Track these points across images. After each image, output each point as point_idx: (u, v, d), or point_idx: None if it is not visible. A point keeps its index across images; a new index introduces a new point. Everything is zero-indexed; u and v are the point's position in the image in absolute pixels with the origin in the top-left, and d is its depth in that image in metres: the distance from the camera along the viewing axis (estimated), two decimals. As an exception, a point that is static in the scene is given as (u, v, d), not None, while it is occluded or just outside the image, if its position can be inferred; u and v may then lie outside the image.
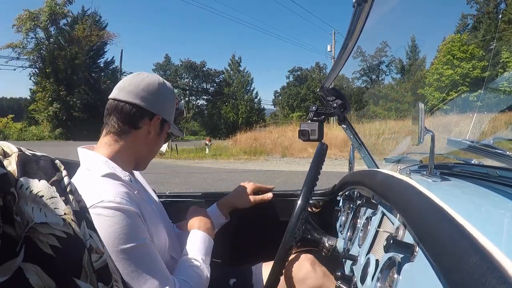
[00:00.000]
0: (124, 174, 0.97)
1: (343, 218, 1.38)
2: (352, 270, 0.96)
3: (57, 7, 25.85)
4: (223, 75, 39.68)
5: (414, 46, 33.80)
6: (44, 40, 27.55)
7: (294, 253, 1.31)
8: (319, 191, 1.65)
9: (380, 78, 38.29)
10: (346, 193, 1.43)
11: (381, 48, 35.93)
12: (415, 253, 0.59)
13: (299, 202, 1.09)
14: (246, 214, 1.45)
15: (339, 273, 0.96)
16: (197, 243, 1.10)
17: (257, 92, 43.69)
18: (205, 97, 40.04)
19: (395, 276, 0.62)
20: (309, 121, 1.44)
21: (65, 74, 28.32)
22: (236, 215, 1.46)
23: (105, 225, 0.82)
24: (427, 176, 1.05)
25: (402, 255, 0.62)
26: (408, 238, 0.65)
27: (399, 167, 1.31)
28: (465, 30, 28.05)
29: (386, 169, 1.09)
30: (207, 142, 16.96)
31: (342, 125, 1.59)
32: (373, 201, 1.01)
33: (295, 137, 12.95)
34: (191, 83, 39.24)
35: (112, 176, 0.92)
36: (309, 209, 1.43)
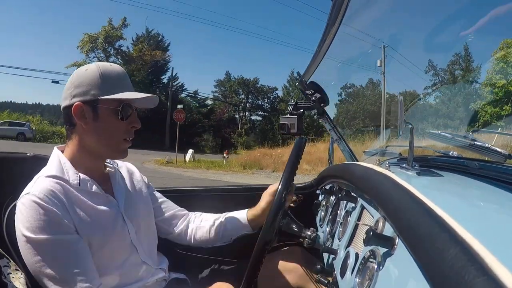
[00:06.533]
0: (74, 177, 0.99)
1: (323, 212, 1.38)
2: (332, 264, 0.95)
3: (112, 31, 29.02)
4: (276, 92, 39.93)
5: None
6: (104, 60, 29.20)
7: (277, 246, 1.30)
8: (299, 185, 1.65)
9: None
10: (326, 187, 1.43)
11: (455, 61, 35.03)
12: (395, 246, 0.58)
13: (279, 187, 1.03)
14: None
15: (318, 266, 0.96)
16: None
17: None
18: (260, 113, 40.48)
19: (375, 268, 0.61)
20: (288, 114, 1.43)
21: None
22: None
23: (22, 214, 0.89)
24: (406, 168, 1.05)
25: (382, 248, 0.61)
26: (388, 231, 0.65)
27: (378, 160, 1.32)
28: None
29: (366, 162, 1.10)
30: (224, 155, 18.09)
31: (321, 119, 1.58)
32: (353, 194, 1.00)
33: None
34: (246, 99, 39.58)
35: (54, 177, 0.96)
36: (288, 204, 1.42)
